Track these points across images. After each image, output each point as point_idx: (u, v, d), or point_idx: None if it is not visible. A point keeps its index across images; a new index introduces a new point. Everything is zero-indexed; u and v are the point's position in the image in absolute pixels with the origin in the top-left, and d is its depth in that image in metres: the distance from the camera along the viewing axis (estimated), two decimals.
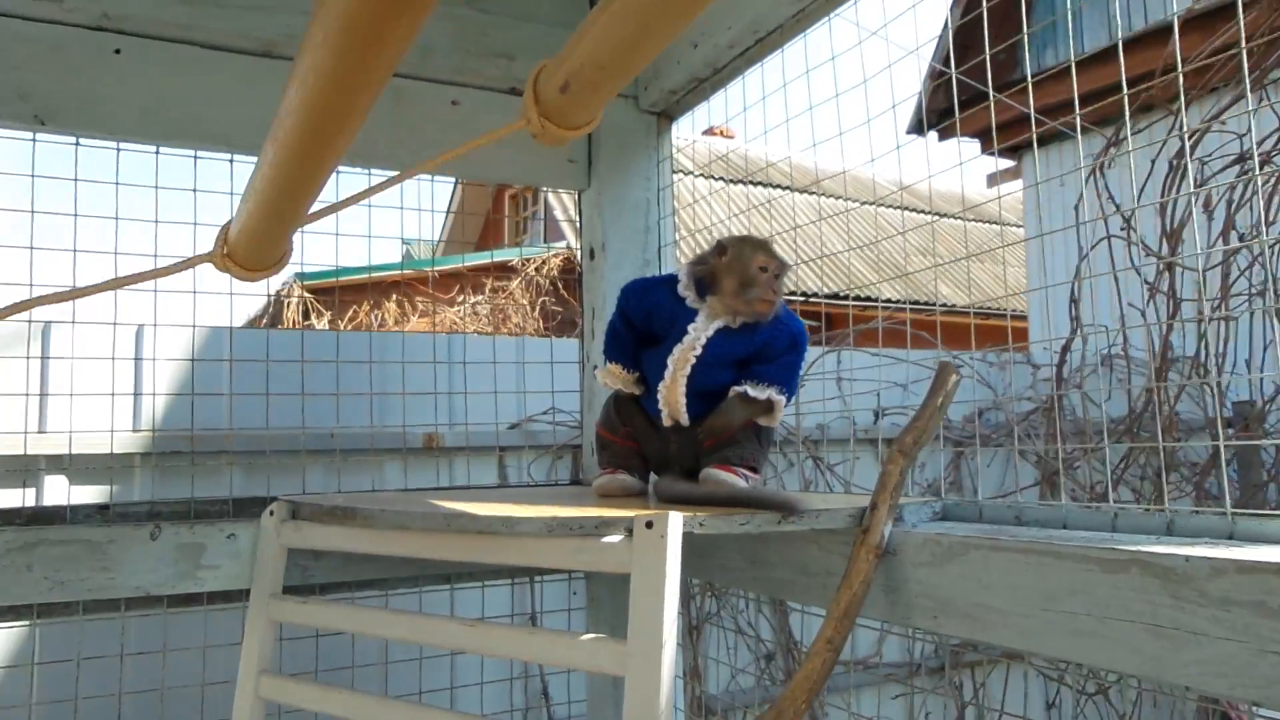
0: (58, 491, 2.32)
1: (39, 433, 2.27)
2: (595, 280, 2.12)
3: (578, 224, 2.22)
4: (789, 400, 1.55)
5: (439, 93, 1.99)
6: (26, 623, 1.64)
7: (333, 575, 1.76)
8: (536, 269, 8.67)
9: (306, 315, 8.01)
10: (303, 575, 1.72)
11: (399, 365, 2.21)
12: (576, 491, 1.90)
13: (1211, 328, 2.71)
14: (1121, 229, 2.46)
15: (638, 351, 1.63)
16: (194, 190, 1.83)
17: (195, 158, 1.84)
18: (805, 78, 1.86)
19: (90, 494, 2.25)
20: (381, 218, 2.16)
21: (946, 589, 1.14)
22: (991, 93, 1.67)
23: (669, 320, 1.58)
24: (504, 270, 8.54)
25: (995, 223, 11.72)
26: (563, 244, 9.00)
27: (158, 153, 1.80)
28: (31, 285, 1.75)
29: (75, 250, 1.78)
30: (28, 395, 2.21)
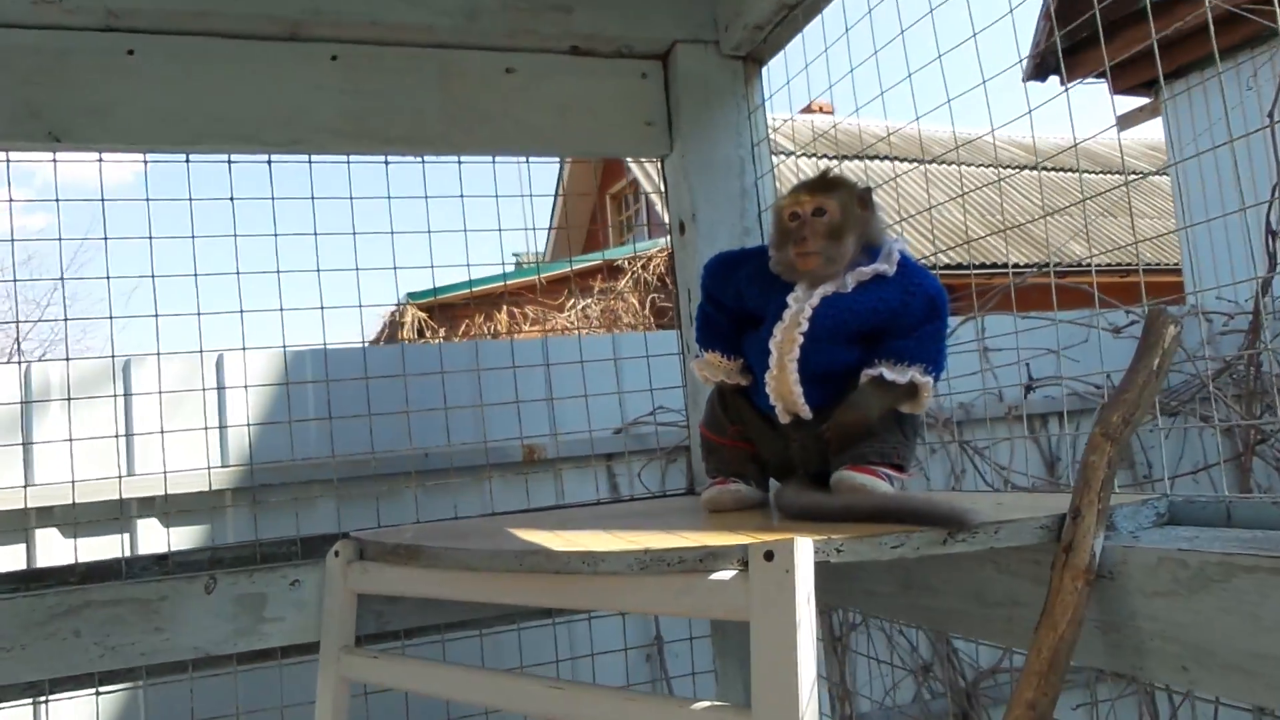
0: (149, 535, 2.22)
1: (127, 475, 2.16)
2: (687, 257, 1.83)
3: (664, 195, 1.94)
4: (937, 380, 1.22)
5: (490, 61, 1.75)
6: (89, 691, 1.48)
7: (413, 619, 1.54)
8: (643, 266, 8.46)
9: (421, 334, 8.06)
10: (377, 622, 1.50)
11: (478, 375, 1.98)
12: (689, 505, 1.62)
13: None
14: None
15: (737, 335, 1.33)
16: (231, 199, 1.64)
17: (229, 162, 1.65)
18: (901, 39, 1.51)
19: (160, 536, 2.12)
20: (488, 233, 1.92)
21: (1200, 630, 0.80)
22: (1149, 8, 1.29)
23: (763, 296, 1.28)
24: (612, 272, 8.36)
25: (1130, 172, 10.78)
26: (666, 239, 8.76)
27: (188, 160, 1.62)
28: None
29: (154, 276, 1.62)
30: (115, 436, 2.10)
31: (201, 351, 1.65)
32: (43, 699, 1.45)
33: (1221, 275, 5.40)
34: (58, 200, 1.60)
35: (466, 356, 2.19)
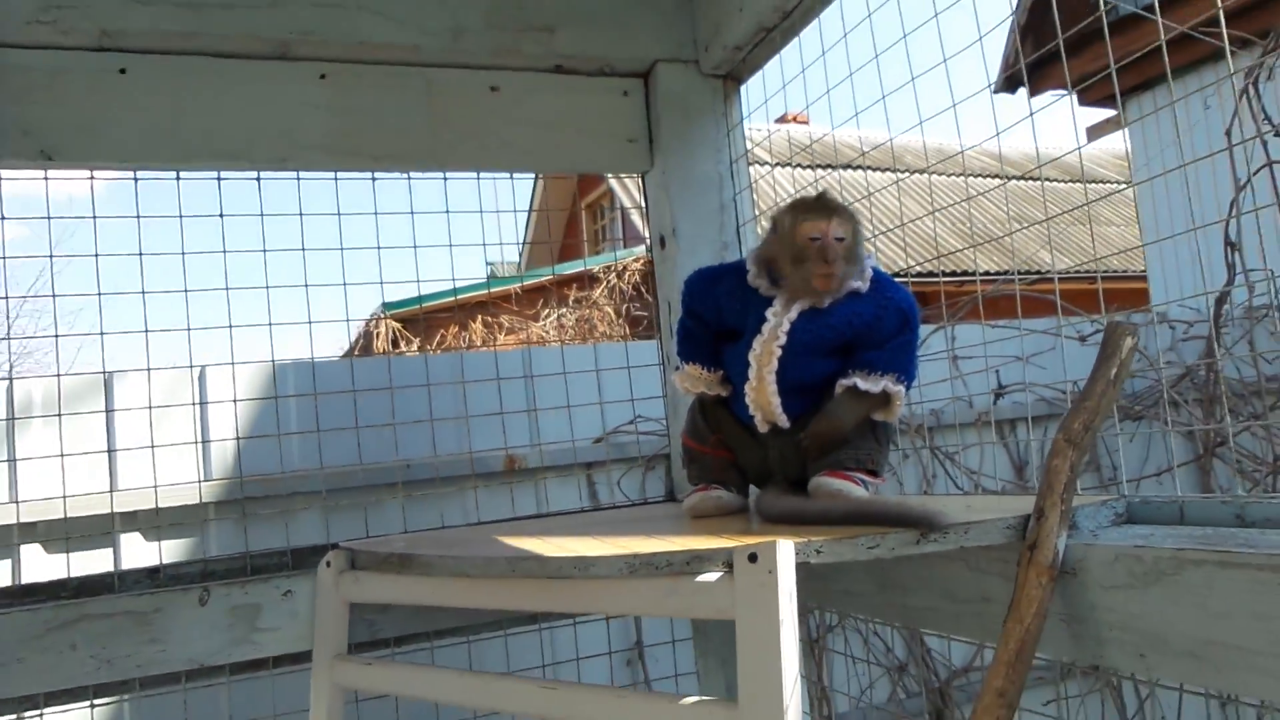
0: (132, 550, 2.22)
1: (108, 490, 2.17)
2: (668, 270, 1.88)
3: (644, 212, 1.99)
4: (908, 389, 1.28)
5: (475, 79, 1.79)
6: (84, 704, 1.50)
7: (402, 628, 1.57)
8: (618, 275, 8.52)
9: (396, 344, 8.05)
10: (369, 630, 1.53)
11: (463, 387, 2.02)
12: (671, 512, 1.67)
13: None
14: None
15: (717, 347, 1.38)
16: (220, 215, 1.67)
17: (219, 179, 1.68)
18: (895, 46, 1.58)
19: (144, 550, 2.13)
20: (461, 241, 1.95)
21: (1155, 620, 0.86)
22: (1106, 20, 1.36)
23: (742, 311, 1.34)
24: (587, 282, 8.40)
25: (1096, 181, 10.99)
26: (642, 248, 8.82)
27: (178, 178, 1.65)
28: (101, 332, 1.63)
29: (143, 291, 1.64)
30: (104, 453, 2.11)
31: (191, 366, 1.68)
32: (36, 713, 1.46)
33: (1185, 283, 5.54)
34: (49, 218, 1.62)
35: (450, 368, 2.22)
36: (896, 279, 1.35)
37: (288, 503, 2.18)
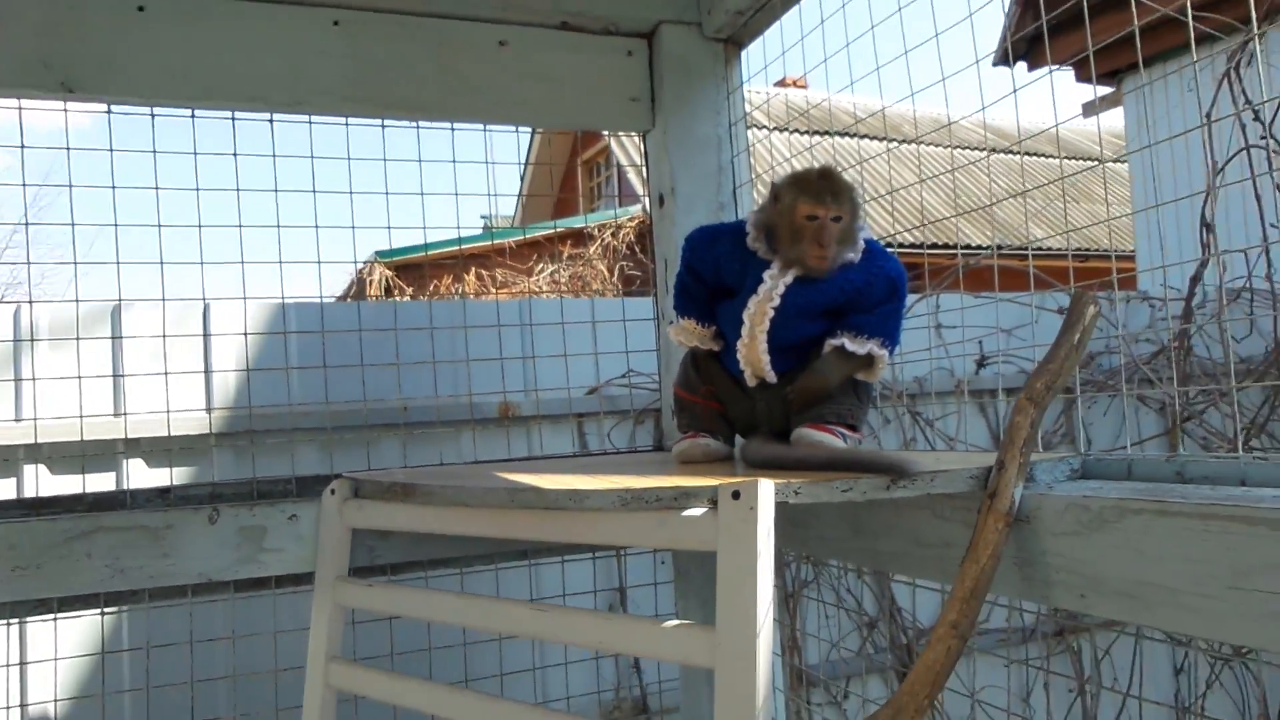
0: (136, 475, 2.30)
1: (114, 415, 2.24)
2: (666, 228, 1.95)
3: (644, 170, 2.05)
4: (892, 353, 1.36)
5: (485, 33, 1.84)
6: (95, 611, 1.58)
7: (401, 555, 1.65)
8: (613, 234, 8.54)
9: (389, 292, 8.08)
10: (369, 556, 1.62)
11: (464, 333, 2.09)
12: (659, 459, 1.75)
13: None
14: (1262, 138, 2.15)
15: (712, 304, 1.45)
16: (234, 155, 1.73)
17: (233, 119, 1.73)
18: (871, 33, 1.63)
19: (146, 476, 2.20)
20: (460, 191, 2.00)
21: (1096, 563, 0.95)
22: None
23: (740, 271, 1.40)
24: (581, 239, 8.43)
25: (1091, 159, 11.03)
26: (637, 208, 8.84)
27: (193, 116, 1.70)
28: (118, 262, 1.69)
29: (159, 225, 1.70)
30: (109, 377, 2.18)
31: (204, 299, 1.74)
32: (50, 616, 1.54)
33: (1171, 258, 5.64)
34: (68, 149, 1.67)
35: (452, 315, 2.29)
36: (886, 247, 1.42)
37: (291, 436, 2.26)
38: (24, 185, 1.65)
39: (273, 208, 1.77)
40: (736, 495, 1.01)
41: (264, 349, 2.31)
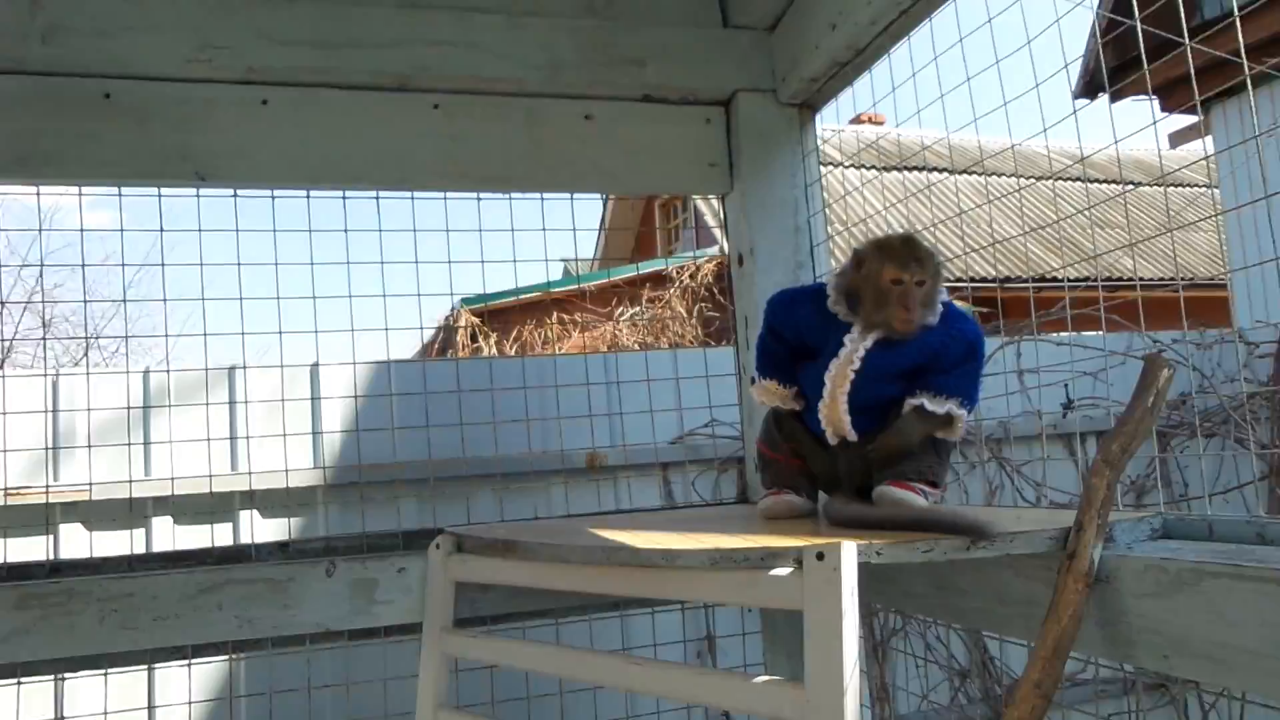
0: (253, 526, 2.46)
1: (230, 473, 2.41)
2: (746, 287, 2.02)
3: (723, 230, 2.13)
4: (970, 412, 1.40)
5: (571, 108, 1.96)
6: (225, 658, 1.71)
7: (500, 607, 1.74)
8: (691, 276, 8.64)
9: (474, 338, 8.34)
10: (472, 608, 1.71)
11: (554, 391, 2.19)
12: (744, 513, 1.81)
13: None
14: None
15: (793, 364, 1.52)
16: (344, 231, 1.88)
17: (344, 199, 1.88)
18: (959, 46, 1.69)
19: (259, 528, 2.35)
20: (536, 240, 2.13)
21: (1177, 625, 0.97)
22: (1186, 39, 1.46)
23: (821, 334, 1.46)
24: (660, 281, 8.55)
25: (1183, 185, 10.71)
26: (715, 249, 8.93)
27: (308, 196, 1.86)
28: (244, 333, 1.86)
29: (278, 297, 1.86)
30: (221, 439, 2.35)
31: (318, 365, 1.88)
32: (185, 662, 1.68)
33: (1271, 298, 5.44)
34: (199, 230, 1.84)
35: (542, 371, 2.39)
36: (983, 283, 1.46)
37: (387, 490, 2.39)
38: (163, 265, 1.82)
39: (378, 277, 1.91)
40: (821, 556, 1.07)
41: (368, 406, 2.45)
